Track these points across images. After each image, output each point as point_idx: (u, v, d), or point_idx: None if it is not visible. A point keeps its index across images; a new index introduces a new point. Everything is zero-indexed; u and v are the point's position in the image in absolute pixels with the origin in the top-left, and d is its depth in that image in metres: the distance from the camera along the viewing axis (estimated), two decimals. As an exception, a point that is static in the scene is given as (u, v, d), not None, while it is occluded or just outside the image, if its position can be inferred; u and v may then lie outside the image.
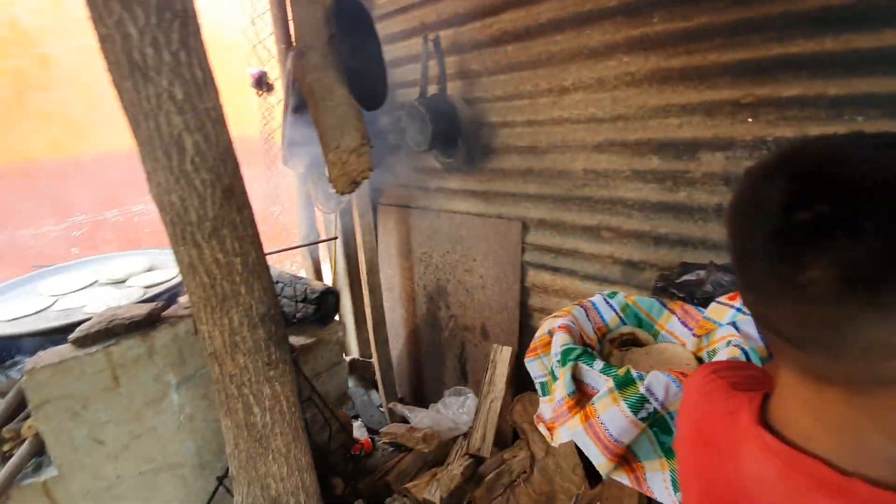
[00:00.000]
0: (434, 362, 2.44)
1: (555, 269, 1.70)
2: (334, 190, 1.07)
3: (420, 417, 1.92)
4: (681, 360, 0.97)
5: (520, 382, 1.65)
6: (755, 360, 0.85)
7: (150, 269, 1.73)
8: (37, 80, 3.07)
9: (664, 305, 1.12)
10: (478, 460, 1.57)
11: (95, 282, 1.67)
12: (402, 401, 2.39)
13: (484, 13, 1.68)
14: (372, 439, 2.05)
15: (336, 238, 2.00)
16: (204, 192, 0.95)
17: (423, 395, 2.55)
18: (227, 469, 1.27)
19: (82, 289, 1.61)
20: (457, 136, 1.82)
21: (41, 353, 1.17)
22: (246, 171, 1.02)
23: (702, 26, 1.17)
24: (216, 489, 1.33)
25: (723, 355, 0.88)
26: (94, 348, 1.19)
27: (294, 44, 1.07)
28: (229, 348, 1.06)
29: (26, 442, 1.20)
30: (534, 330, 1.19)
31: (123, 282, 1.64)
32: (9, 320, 1.41)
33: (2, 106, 2.96)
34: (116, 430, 1.25)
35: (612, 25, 1.34)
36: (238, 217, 1.01)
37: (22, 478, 1.19)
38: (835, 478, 0.37)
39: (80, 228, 3.34)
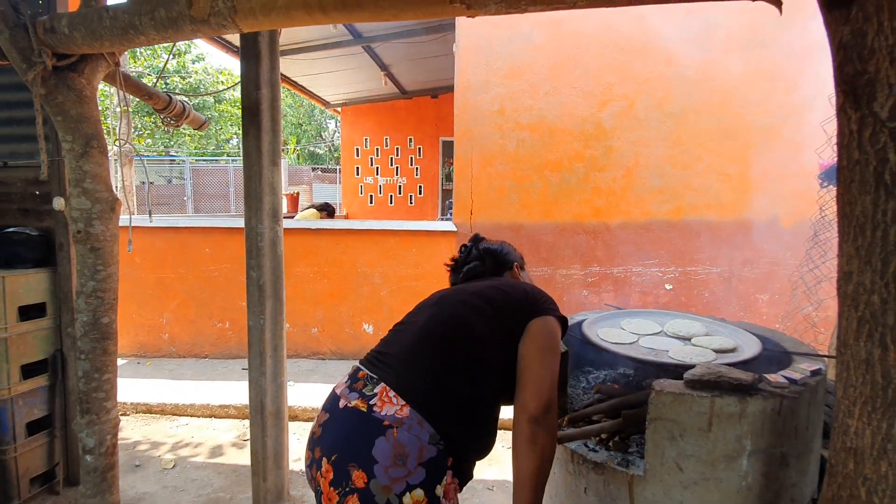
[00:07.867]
0: None
1: None
2: None
3: None
4: None
5: None
6: None
7: (706, 334, 1.98)
8: (600, 164, 4.13)
9: None
10: None
11: (661, 332, 2.05)
12: None
13: None
14: None
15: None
16: (912, 301, 1.00)
17: None
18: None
19: (653, 334, 2.02)
20: None
21: (663, 381, 1.53)
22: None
23: None
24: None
25: None
26: (703, 393, 1.45)
27: None
28: (875, 451, 1.06)
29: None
30: None
31: (688, 339, 1.95)
32: (612, 342, 1.93)
33: (576, 181, 4.15)
34: (694, 465, 1.48)
35: None
36: (936, 331, 1.00)
37: (614, 463, 1.60)
38: None
39: (593, 276, 4.24)
